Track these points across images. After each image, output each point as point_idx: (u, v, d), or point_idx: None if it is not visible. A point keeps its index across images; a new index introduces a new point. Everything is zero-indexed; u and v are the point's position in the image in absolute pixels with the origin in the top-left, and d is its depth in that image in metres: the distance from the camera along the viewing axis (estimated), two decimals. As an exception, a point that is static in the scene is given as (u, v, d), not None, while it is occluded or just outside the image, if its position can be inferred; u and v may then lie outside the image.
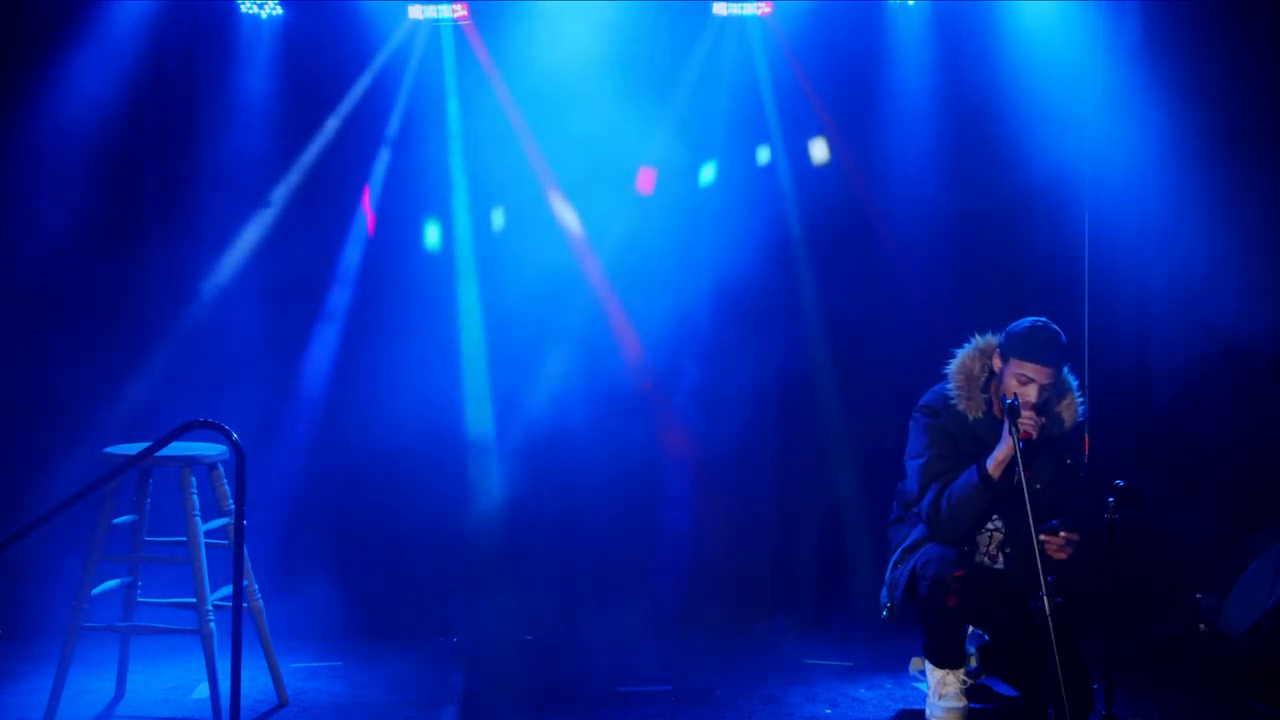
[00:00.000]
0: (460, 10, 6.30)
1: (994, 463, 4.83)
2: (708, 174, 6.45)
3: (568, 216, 6.40)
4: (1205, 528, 6.19)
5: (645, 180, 6.42)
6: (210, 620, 4.93)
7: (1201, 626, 5.88)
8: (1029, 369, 4.83)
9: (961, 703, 4.93)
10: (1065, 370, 5.00)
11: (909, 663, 5.43)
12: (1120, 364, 6.36)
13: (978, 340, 5.06)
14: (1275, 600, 5.56)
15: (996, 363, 4.94)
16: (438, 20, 6.32)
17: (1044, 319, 4.92)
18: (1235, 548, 5.97)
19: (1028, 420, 4.75)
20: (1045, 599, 4.38)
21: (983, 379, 5.00)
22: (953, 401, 5.01)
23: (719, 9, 6.35)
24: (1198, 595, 6.01)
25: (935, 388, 5.13)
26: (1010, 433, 4.66)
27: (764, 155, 6.43)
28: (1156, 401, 6.43)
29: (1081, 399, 5.07)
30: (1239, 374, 6.38)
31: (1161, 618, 6.14)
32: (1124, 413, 6.41)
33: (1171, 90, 6.28)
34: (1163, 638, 6.02)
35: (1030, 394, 4.83)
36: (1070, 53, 6.32)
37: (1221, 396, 6.37)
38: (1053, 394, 4.94)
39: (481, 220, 6.42)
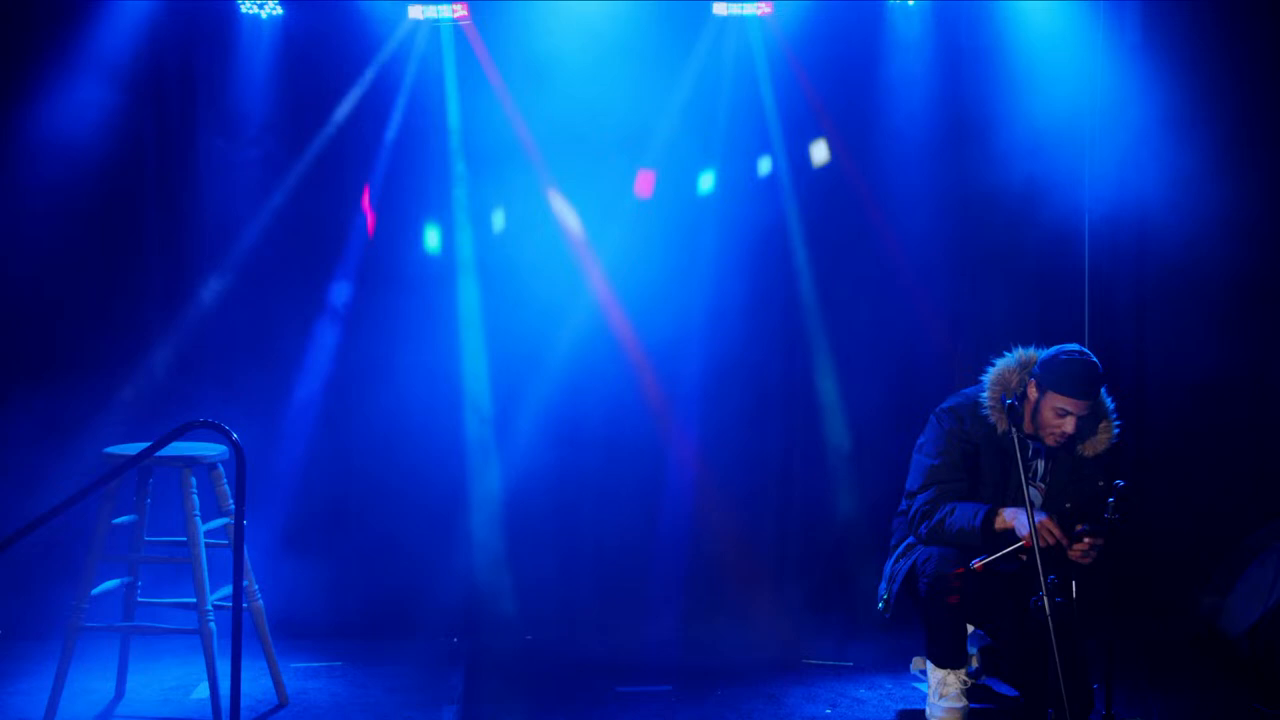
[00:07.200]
0: (460, 10, 6.31)
1: (1000, 523, 4.75)
2: (707, 175, 6.45)
3: (567, 216, 6.40)
4: (1205, 528, 6.19)
5: (645, 182, 6.42)
6: (210, 620, 4.93)
7: (1202, 627, 5.87)
8: (1066, 403, 4.80)
9: (962, 703, 4.92)
10: (1102, 391, 4.95)
11: (909, 662, 5.43)
12: (1119, 363, 6.36)
13: (1019, 353, 4.99)
14: (1275, 600, 5.56)
15: (1033, 391, 4.87)
16: (438, 20, 6.32)
17: (1079, 348, 4.86)
18: (1235, 548, 5.97)
19: (1047, 532, 4.62)
20: (1045, 599, 4.38)
21: (1019, 392, 4.93)
22: (985, 412, 4.94)
23: (719, 9, 6.36)
24: (1198, 595, 6.01)
25: (967, 390, 5.06)
26: (1028, 525, 4.48)
27: (763, 157, 6.43)
28: (1156, 401, 6.43)
29: (1118, 422, 5.02)
30: (1240, 373, 6.37)
31: (1161, 618, 6.14)
32: (1124, 412, 6.39)
33: (1171, 90, 6.28)
34: (1163, 638, 6.02)
35: (1067, 426, 4.82)
36: (1070, 53, 6.32)
37: (1222, 395, 6.37)
38: (1089, 418, 4.90)
39: (481, 220, 6.42)
